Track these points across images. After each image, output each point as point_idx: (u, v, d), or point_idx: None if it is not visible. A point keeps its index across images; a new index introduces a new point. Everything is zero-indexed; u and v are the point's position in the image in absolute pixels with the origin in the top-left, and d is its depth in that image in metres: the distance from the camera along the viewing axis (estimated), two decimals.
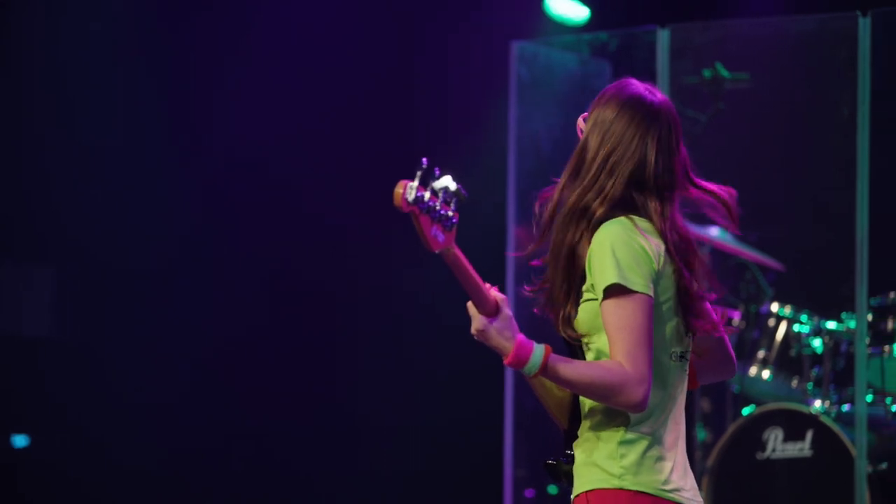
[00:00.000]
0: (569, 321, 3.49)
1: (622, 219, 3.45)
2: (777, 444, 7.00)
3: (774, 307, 7.45)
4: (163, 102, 8.19)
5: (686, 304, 3.48)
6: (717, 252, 8.04)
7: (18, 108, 7.93)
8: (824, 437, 6.91)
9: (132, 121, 8.15)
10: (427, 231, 3.26)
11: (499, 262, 7.58)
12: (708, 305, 3.57)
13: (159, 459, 8.17)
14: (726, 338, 3.70)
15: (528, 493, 7.66)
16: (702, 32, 7.65)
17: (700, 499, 3.52)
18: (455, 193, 3.30)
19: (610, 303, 3.38)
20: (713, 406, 8.03)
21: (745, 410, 7.27)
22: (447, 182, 3.29)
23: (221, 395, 8.34)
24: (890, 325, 7.01)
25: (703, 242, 7.99)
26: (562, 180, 3.55)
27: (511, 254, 3.37)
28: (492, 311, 3.41)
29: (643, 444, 3.45)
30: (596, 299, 3.42)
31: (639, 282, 3.38)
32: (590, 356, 3.48)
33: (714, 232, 7.81)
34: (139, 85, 8.15)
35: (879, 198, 6.82)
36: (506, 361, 3.39)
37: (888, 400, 7.03)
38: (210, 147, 8.39)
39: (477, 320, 3.41)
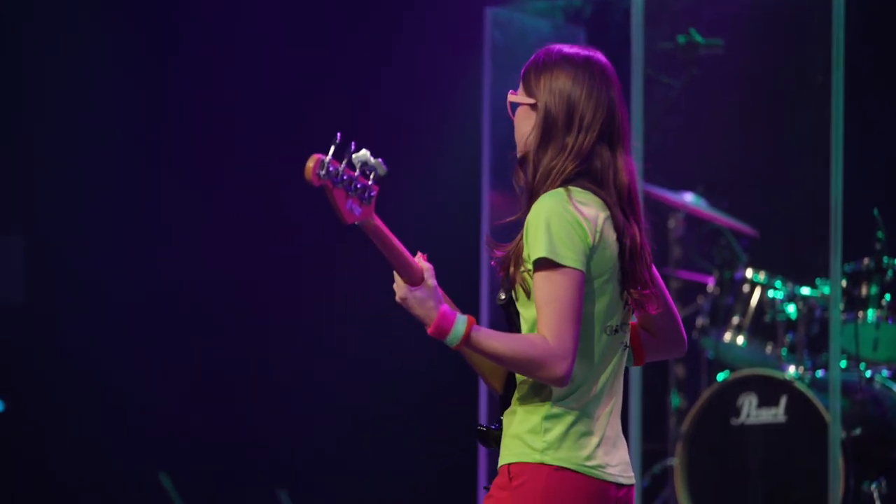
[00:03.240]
0: (510, 285, 3.49)
1: (560, 190, 3.44)
2: (751, 410, 7.01)
3: (749, 273, 7.45)
4: (132, 83, 8.14)
5: (627, 269, 3.47)
6: (692, 218, 8.04)
7: None
8: (798, 402, 6.92)
9: (103, 97, 8.11)
10: (342, 205, 3.30)
11: (474, 227, 7.56)
12: (655, 286, 3.55)
13: (128, 431, 8.15)
14: (678, 317, 3.69)
15: None
16: None
17: (631, 473, 3.51)
18: (374, 166, 3.34)
19: (540, 276, 3.38)
20: (687, 372, 8.05)
21: (720, 376, 7.28)
22: (365, 155, 3.33)
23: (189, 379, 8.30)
24: (864, 290, 7.02)
25: (678, 208, 7.99)
26: (531, 147, 3.52)
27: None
28: (417, 281, 3.44)
29: (569, 418, 3.44)
30: (531, 270, 3.43)
31: (569, 256, 3.37)
32: (525, 327, 3.48)
33: (688, 198, 7.80)
34: (111, 65, 8.11)
35: (853, 163, 6.81)
36: (428, 331, 3.42)
37: (862, 366, 7.05)
38: (186, 121, 8.35)
39: (400, 289, 3.45)
